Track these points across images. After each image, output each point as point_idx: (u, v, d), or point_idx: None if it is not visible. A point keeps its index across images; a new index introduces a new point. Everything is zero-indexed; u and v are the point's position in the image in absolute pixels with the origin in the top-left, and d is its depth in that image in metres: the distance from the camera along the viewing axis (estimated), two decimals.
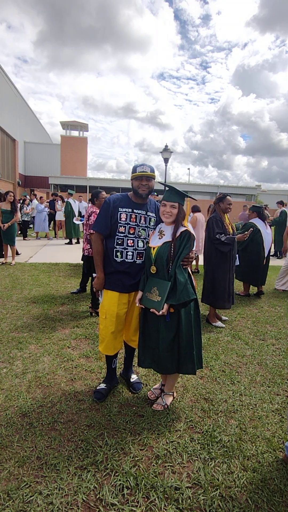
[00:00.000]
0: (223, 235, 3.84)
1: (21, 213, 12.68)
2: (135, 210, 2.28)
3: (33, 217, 13.95)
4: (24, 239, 11.98)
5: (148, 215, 2.32)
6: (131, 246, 2.26)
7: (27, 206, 13.05)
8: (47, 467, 1.77)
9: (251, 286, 5.64)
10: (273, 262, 9.24)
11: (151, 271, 2.19)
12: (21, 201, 13.11)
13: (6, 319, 3.91)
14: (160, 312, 2.06)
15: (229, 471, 1.81)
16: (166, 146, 15.89)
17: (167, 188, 2.19)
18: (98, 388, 2.46)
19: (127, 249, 2.25)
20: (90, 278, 4.91)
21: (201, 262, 7.89)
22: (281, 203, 10.04)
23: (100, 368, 2.85)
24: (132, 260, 2.26)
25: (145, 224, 2.30)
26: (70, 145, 38.92)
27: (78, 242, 11.39)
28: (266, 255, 5.30)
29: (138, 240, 2.27)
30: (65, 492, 1.63)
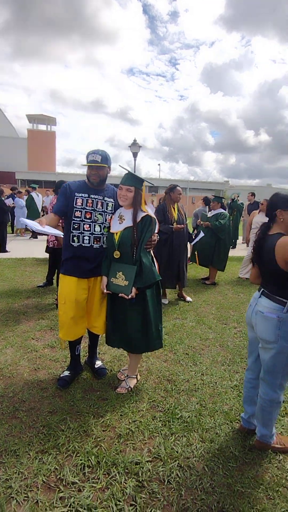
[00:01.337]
0: (162, 223, 4.15)
1: None
2: (91, 195, 2.28)
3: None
4: None
5: (105, 200, 2.33)
6: (88, 231, 2.26)
7: None
8: (7, 453, 1.75)
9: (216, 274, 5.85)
10: (236, 252, 9.58)
11: (115, 256, 2.21)
12: None
13: None
14: (130, 296, 2.11)
15: (188, 443, 1.88)
16: (135, 140, 15.88)
17: (125, 172, 2.22)
18: (62, 375, 2.45)
19: (83, 233, 2.26)
20: (56, 271, 4.84)
21: None
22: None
23: (65, 357, 2.83)
24: (89, 245, 2.27)
25: (102, 209, 2.31)
26: (37, 139, 37.70)
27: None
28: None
29: (94, 225, 2.28)
30: (25, 476, 1.62)
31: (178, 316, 3.97)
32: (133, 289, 2.12)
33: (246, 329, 3.61)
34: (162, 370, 2.67)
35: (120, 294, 2.16)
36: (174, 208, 4.32)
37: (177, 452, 1.81)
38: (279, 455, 1.81)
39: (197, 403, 2.26)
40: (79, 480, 1.61)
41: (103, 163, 2.25)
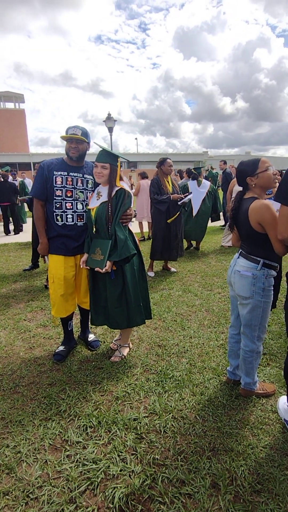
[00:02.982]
0: (159, 195, 4.26)
1: None
2: (71, 173, 2.29)
3: None
4: None
5: (85, 177, 2.34)
6: (70, 209, 2.29)
7: None
8: (12, 424, 1.86)
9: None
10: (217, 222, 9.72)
11: (93, 232, 2.26)
12: None
13: None
14: (104, 270, 2.16)
15: (180, 398, 2.05)
16: (109, 114, 15.34)
17: (100, 149, 2.23)
18: (57, 351, 2.55)
19: (66, 212, 2.28)
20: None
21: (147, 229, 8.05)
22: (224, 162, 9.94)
23: (58, 334, 2.93)
24: (73, 223, 2.31)
25: (83, 186, 2.33)
26: (6, 119, 35.80)
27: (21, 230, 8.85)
28: (196, 211, 5.70)
29: (76, 203, 2.31)
30: (32, 441, 1.75)
31: (165, 287, 4.11)
32: (108, 263, 2.16)
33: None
34: (153, 337, 2.82)
35: (96, 269, 2.21)
36: (168, 181, 4.35)
37: (171, 406, 1.98)
38: (262, 399, 2.01)
39: (187, 363, 2.42)
40: (83, 439, 1.75)
41: (83, 137, 2.25)
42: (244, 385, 2.00)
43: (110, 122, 15.45)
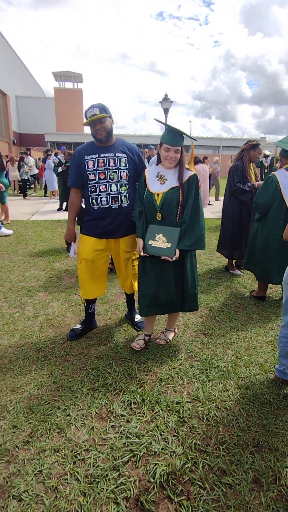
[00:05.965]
0: (242, 184, 3.67)
1: (20, 172, 12.45)
2: (101, 155, 2.22)
3: (32, 176, 13.69)
4: (24, 198, 11.89)
5: (117, 156, 2.25)
6: (104, 191, 2.24)
7: (26, 164, 12.72)
8: (63, 389, 2.00)
9: None
10: None
11: (157, 218, 2.15)
12: (18, 159, 12.78)
13: (14, 271, 4.07)
14: (174, 258, 2.09)
15: (224, 389, 2.03)
16: (166, 95, 14.99)
17: (168, 129, 2.08)
18: (73, 327, 2.61)
19: (100, 195, 2.25)
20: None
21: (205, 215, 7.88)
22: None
23: (106, 311, 3.04)
24: (107, 205, 2.26)
25: (115, 166, 2.24)
26: (64, 98, 36.69)
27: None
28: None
29: (110, 184, 2.24)
30: (80, 407, 1.86)
31: (213, 276, 4.03)
32: (177, 251, 2.09)
33: (281, 289, 3.61)
34: (198, 325, 2.80)
35: (163, 257, 2.11)
36: (252, 169, 3.77)
37: (215, 396, 1.96)
38: None
39: (232, 355, 2.38)
40: (127, 413, 1.82)
41: (103, 114, 2.14)
42: None
43: (166, 103, 15.10)
